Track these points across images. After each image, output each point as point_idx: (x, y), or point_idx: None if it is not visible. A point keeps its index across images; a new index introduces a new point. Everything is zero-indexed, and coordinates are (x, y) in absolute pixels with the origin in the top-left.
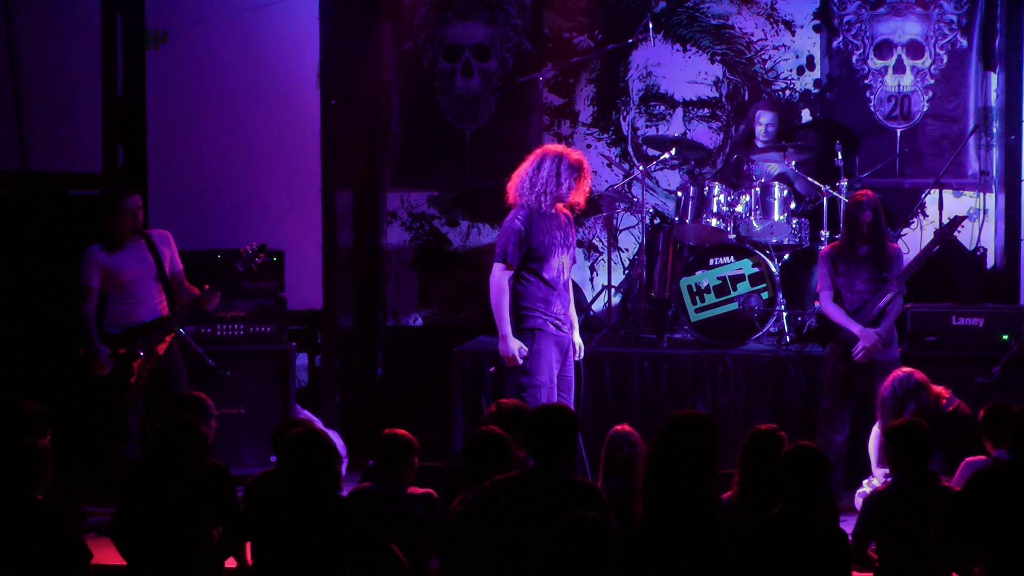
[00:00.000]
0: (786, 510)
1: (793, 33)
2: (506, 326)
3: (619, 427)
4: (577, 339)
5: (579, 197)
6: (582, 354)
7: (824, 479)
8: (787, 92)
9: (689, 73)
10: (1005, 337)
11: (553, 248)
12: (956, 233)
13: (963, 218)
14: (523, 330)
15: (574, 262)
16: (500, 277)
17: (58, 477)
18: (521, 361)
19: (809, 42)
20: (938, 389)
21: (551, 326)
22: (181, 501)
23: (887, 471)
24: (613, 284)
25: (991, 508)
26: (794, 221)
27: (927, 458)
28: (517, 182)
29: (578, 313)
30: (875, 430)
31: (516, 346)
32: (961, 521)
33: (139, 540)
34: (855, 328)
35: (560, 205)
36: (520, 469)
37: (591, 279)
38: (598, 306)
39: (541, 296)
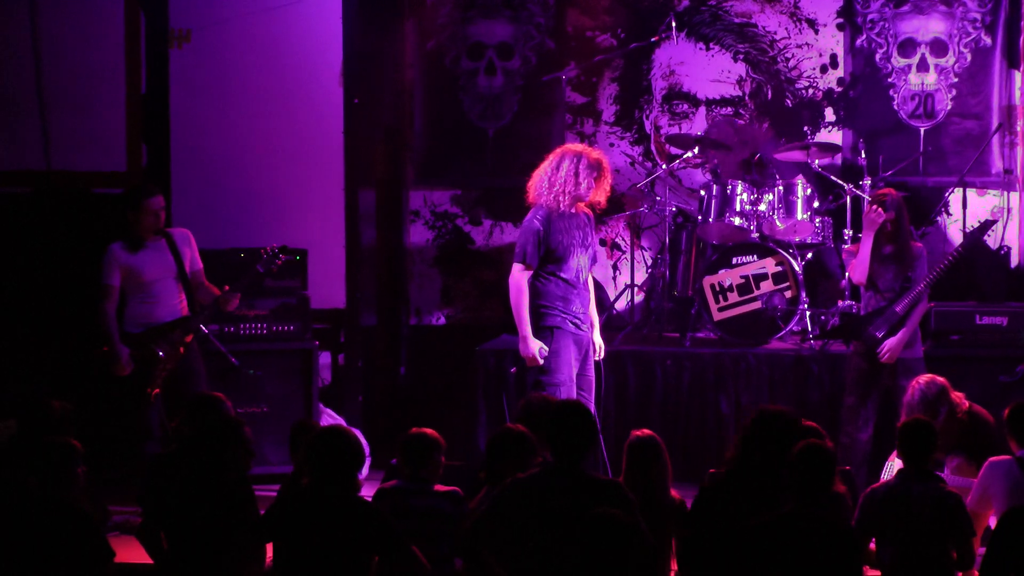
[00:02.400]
0: (796, 509)
1: (816, 31)
2: (526, 327)
3: (639, 432)
4: (597, 339)
5: (599, 196)
6: (602, 354)
7: (830, 477)
8: (810, 91)
9: (712, 72)
10: None
11: (572, 248)
12: (985, 237)
13: (993, 222)
14: (542, 328)
15: (595, 261)
16: (519, 277)
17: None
18: (542, 361)
19: (832, 40)
20: (956, 395)
21: (570, 324)
22: (206, 501)
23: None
24: (636, 283)
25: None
26: (817, 220)
27: (927, 458)
28: (536, 181)
29: (601, 312)
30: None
31: (536, 347)
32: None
33: (168, 539)
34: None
35: (580, 204)
36: (542, 467)
37: (614, 278)
38: (621, 305)
39: (560, 295)
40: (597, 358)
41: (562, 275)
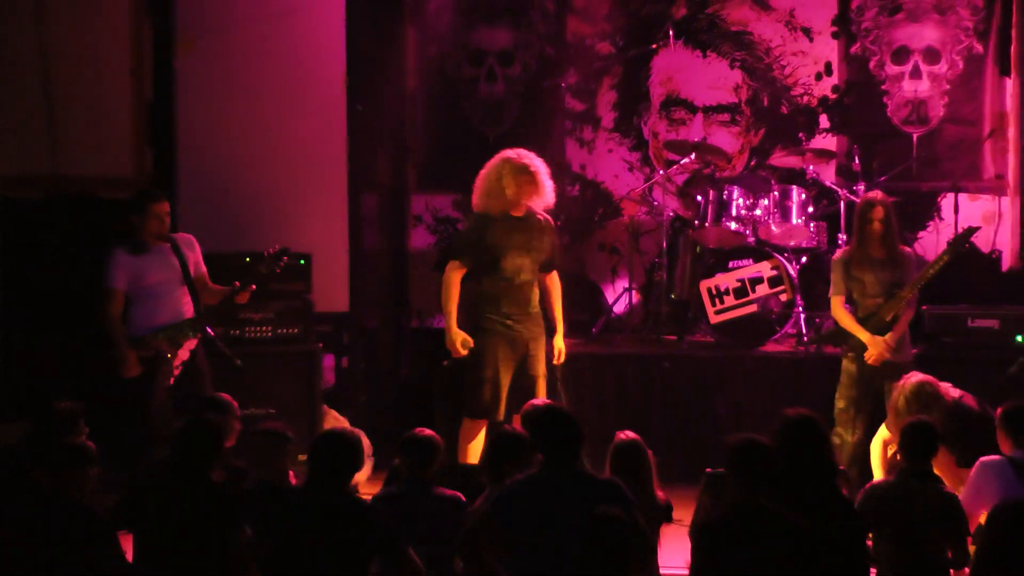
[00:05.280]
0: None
1: (811, 39)
2: (449, 320)
3: (622, 434)
4: (559, 342)
5: (531, 199)
6: (561, 358)
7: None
8: (805, 97)
9: (709, 79)
10: (1020, 339)
11: (508, 250)
12: (966, 246)
13: (976, 228)
14: (475, 327)
15: (551, 267)
16: (449, 275)
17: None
18: (464, 352)
19: (827, 48)
20: (945, 387)
21: (499, 325)
22: (196, 504)
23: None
24: (634, 286)
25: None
26: (812, 224)
27: (927, 459)
28: (475, 186)
29: (599, 315)
30: (876, 442)
31: (459, 339)
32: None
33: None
34: (864, 336)
35: (537, 209)
36: (540, 467)
37: (613, 281)
38: (620, 308)
39: (491, 295)
40: (556, 361)
41: (496, 275)
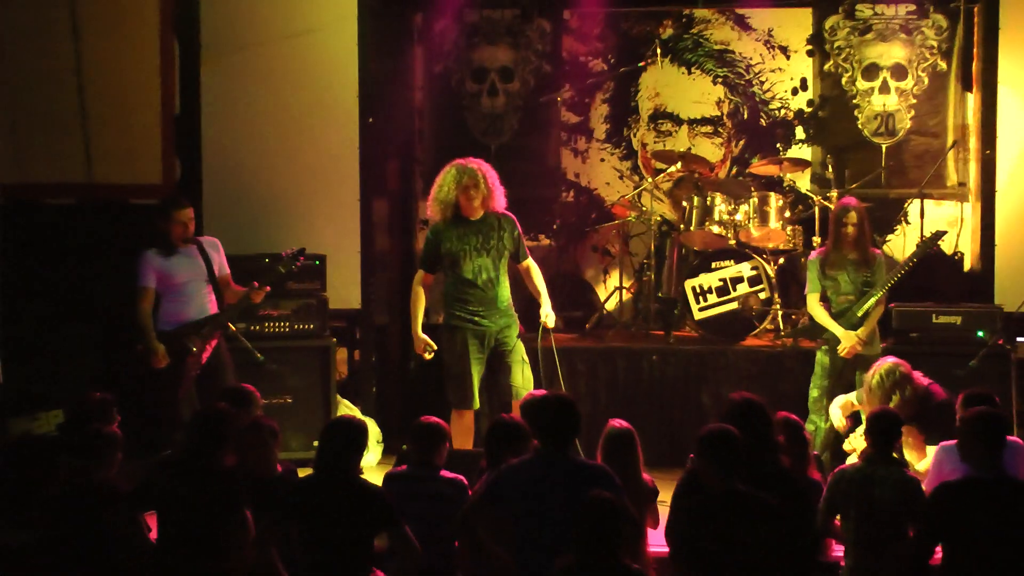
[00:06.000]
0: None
1: (788, 57)
2: (414, 324)
3: (614, 422)
4: (544, 313)
5: (479, 203)
6: (550, 323)
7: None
8: (783, 111)
9: (694, 94)
10: (981, 334)
11: (465, 252)
12: (934, 249)
13: (943, 233)
14: (445, 325)
15: (523, 259)
16: (414, 284)
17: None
18: (428, 356)
19: (803, 65)
20: (916, 375)
21: (467, 322)
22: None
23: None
24: (624, 285)
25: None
26: (789, 228)
27: (889, 445)
28: (428, 198)
29: (592, 312)
30: (839, 399)
31: (422, 344)
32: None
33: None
34: (838, 330)
35: (496, 209)
36: (534, 452)
37: (605, 281)
38: (611, 305)
39: (457, 295)
40: (550, 325)
41: (459, 276)
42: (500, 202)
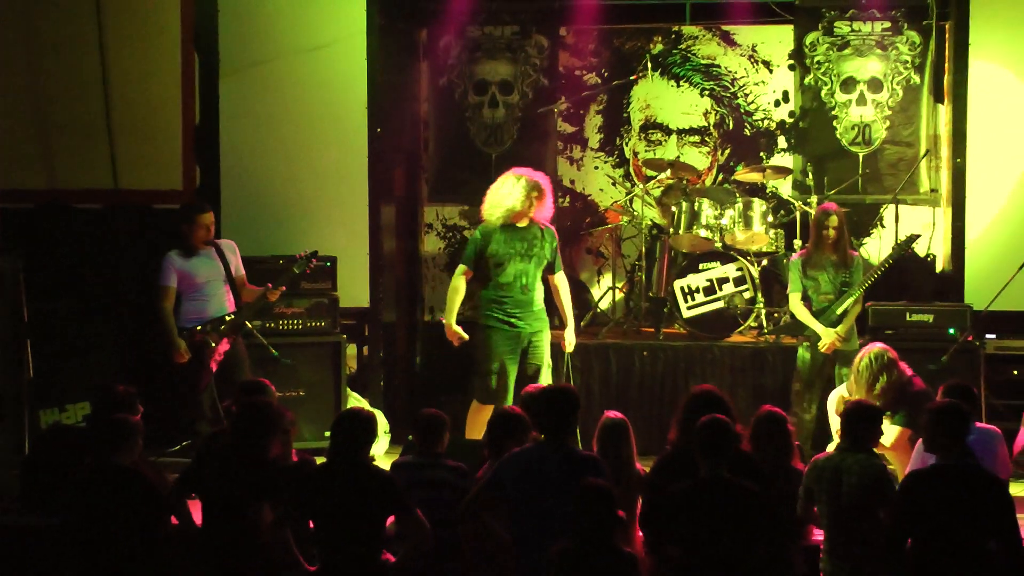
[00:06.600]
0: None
1: (771, 71)
2: (449, 316)
3: (610, 413)
4: (569, 335)
5: (542, 213)
6: (571, 347)
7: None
8: (766, 122)
9: (682, 105)
10: (952, 331)
11: (510, 256)
12: (907, 252)
13: (917, 236)
14: (479, 324)
15: (553, 270)
16: (455, 279)
17: (147, 448)
18: (457, 343)
19: (785, 79)
20: (903, 365)
21: (503, 324)
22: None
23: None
24: (617, 285)
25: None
26: (772, 232)
27: (862, 436)
28: (485, 199)
29: (586, 310)
30: (833, 394)
31: (455, 336)
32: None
33: (205, 507)
34: (818, 328)
35: (539, 220)
36: (535, 442)
37: (598, 281)
38: (604, 304)
39: (495, 297)
40: (569, 350)
41: (499, 279)
42: (549, 215)
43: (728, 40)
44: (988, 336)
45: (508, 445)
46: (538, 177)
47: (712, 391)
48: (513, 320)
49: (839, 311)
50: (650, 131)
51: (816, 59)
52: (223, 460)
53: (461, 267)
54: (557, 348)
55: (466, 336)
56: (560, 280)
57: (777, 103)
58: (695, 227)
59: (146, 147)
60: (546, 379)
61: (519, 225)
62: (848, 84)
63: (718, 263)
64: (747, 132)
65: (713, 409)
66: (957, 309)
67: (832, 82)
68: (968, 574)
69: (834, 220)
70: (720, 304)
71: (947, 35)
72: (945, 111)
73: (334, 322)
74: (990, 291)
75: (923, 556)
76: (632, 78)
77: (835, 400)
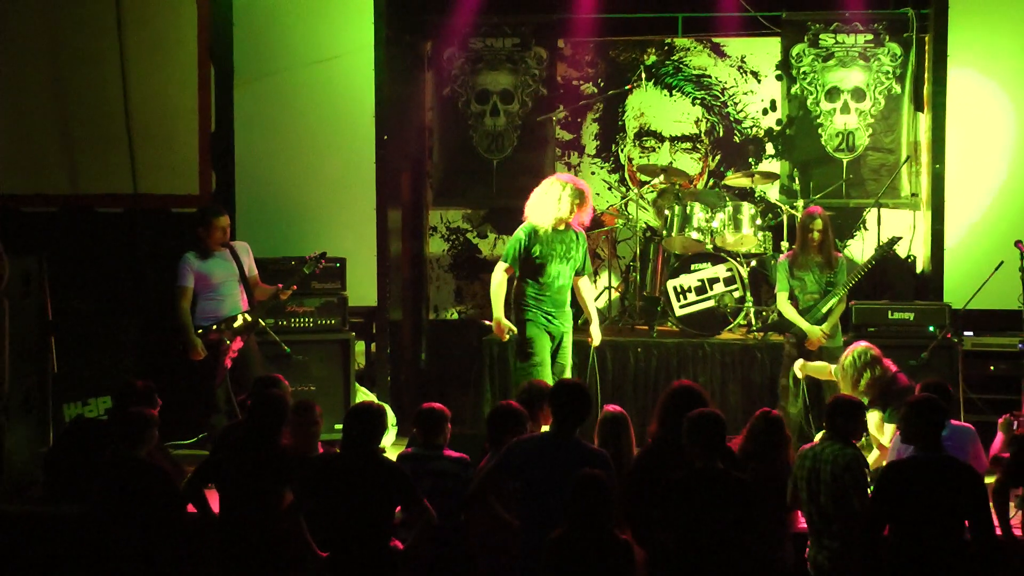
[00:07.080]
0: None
1: (759, 81)
2: (497, 309)
3: (609, 407)
4: (594, 331)
5: (582, 218)
6: (596, 342)
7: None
8: (754, 129)
9: (674, 114)
10: (931, 329)
11: (551, 258)
12: (889, 253)
13: (898, 238)
14: (520, 319)
15: (581, 273)
16: (498, 272)
17: (163, 440)
18: (507, 335)
19: (772, 88)
20: (887, 361)
21: (542, 320)
22: (266, 464)
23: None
24: (613, 285)
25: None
26: (760, 234)
27: (843, 429)
28: (529, 201)
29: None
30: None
31: (506, 327)
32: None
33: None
34: (804, 325)
35: (572, 223)
36: (543, 434)
37: (595, 282)
38: (600, 303)
39: (534, 296)
40: (595, 344)
41: (538, 279)
42: (588, 220)
43: (718, 52)
44: (966, 333)
45: (506, 438)
46: (580, 184)
47: (691, 386)
48: (550, 318)
49: (824, 309)
50: (644, 138)
51: (802, 70)
52: (238, 451)
53: (503, 264)
54: (583, 344)
55: (515, 329)
56: (586, 282)
57: (765, 111)
58: (687, 230)
59: (164, 154)
60: (569, 374)
61: (558, 228)
62: (832, 93)
63: (709, 264)
64: (736, 139)
65: (694, 404)
66: (936, 308)
67: (817, 91)
68: (943, 562)
69: (819, 223)
70: (711, 303)
71: (927, 47)
72: (925, 119)
73: (343, 320)
74: (967, 291)
75: (900, 544)
76: (627, 88)
77: (815, 367)
